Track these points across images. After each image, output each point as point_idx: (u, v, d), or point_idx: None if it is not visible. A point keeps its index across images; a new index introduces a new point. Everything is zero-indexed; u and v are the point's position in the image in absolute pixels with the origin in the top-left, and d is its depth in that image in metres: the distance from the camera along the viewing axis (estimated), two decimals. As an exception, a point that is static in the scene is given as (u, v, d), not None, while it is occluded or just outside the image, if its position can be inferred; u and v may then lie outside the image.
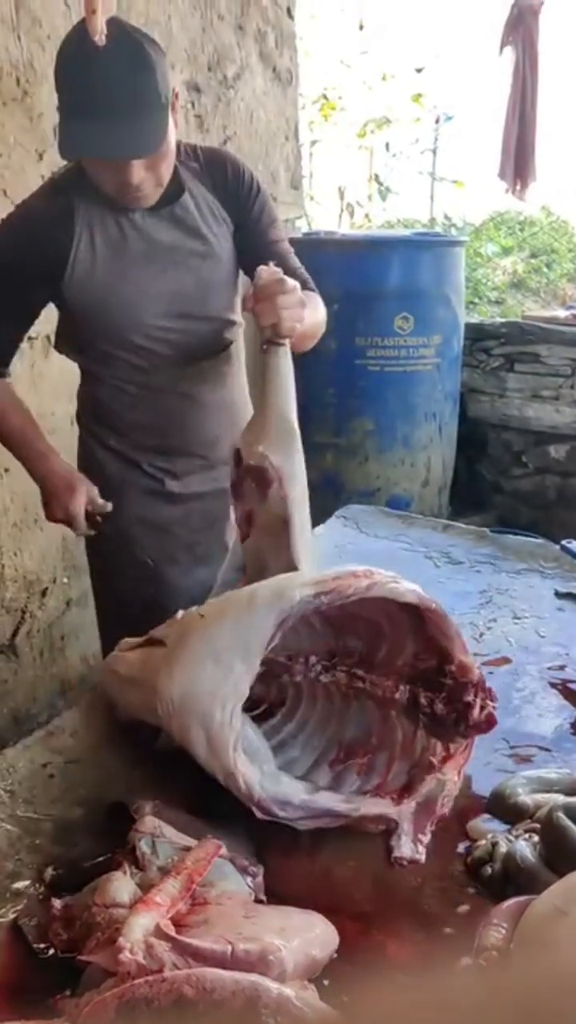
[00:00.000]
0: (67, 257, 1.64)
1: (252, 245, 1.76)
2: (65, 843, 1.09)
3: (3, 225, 1.70)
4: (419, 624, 1.17)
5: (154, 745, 1.21)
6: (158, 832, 0.99)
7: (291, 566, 1.32)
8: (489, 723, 1.19)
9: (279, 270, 1.47)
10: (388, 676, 1.22)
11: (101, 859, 0.99)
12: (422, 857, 1.10)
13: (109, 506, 1.74)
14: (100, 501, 1.73)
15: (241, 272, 1.81)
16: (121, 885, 0.91)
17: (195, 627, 1.12)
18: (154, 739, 1.22)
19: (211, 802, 1.14)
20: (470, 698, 1.17)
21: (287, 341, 1.44)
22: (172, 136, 1.58)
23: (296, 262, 1.83)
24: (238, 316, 1.86)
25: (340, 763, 1.19)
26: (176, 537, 1.88)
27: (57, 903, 0.92)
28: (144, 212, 1.67)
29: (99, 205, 1.65)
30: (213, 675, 1.06)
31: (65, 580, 2.98)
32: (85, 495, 1.72)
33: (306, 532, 1.39)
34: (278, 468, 1.36)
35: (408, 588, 1.13)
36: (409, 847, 1.11)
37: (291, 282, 1.44)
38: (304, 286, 1.72)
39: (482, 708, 1.18)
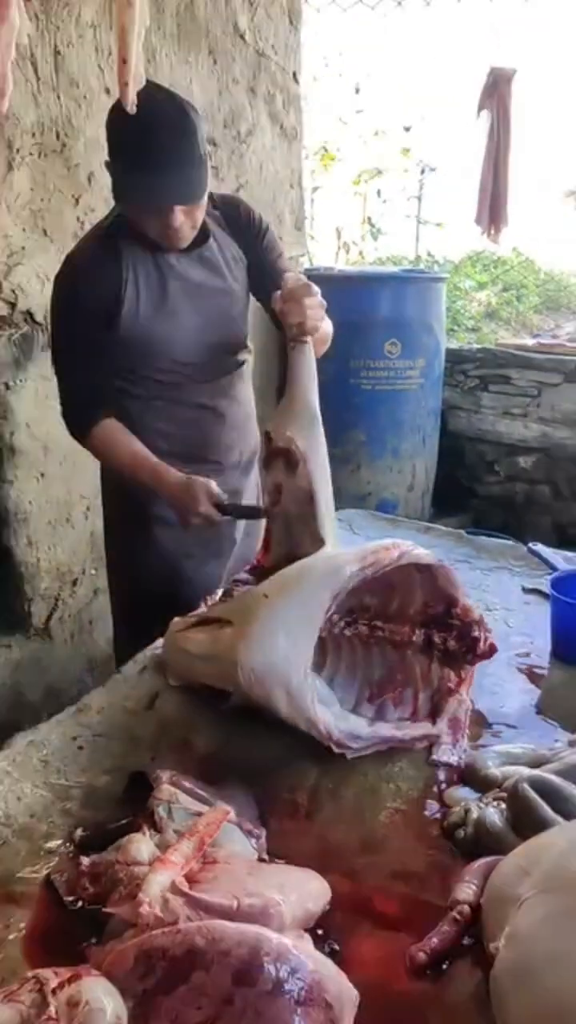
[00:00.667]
0: (120, 295, 1.65)
1: (264, 274, 1.79)
2: (92, 808, 1.09)
3: (67, 275, 1.68)
4: (428, 578, 1.30)
5: (222, 704, 1.25)
6: (174, 799, 0.99)
7: (316, 534, 1.39)
8: (491, 650, 1.32)
9: (303, 276, 1.53)
10: (403, 623, 1.33)
11: (124, 822, 0.98)
12: (461, 761, 1.19)
13: (225, 496, 1.68)
14: (217, 491, 1.66)
15: (254, 300, 1.85)
16: (141, 846, 0.91)
17: (262, 605, 1.20)
18: (216, 700, 1.27)
19: (220, 773, 1.14)
20: (476, 633, 1.30)
21: (310, 339, 1.48)
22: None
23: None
24: (249, 342, 1.87)
25: (376, 699, 1.29)
26: (192, 534, 1.86)
27: (85, 861, 0.92)
28: (178, 255, 1.69)
29: (141, 249, 1.66)
30: (285, 645, 1.15)
31: (93, 571, 2.97)
32: (206, 495, 1.66)
33: (330, 506, 1.44)
34: (303, 451, 1.41)
35: (425, 552, 1.27)
36: (449, 753, 1.22)
37: (315, 287, 1.49)
38: None
39: (485, 640, 1.31)
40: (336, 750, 1.17)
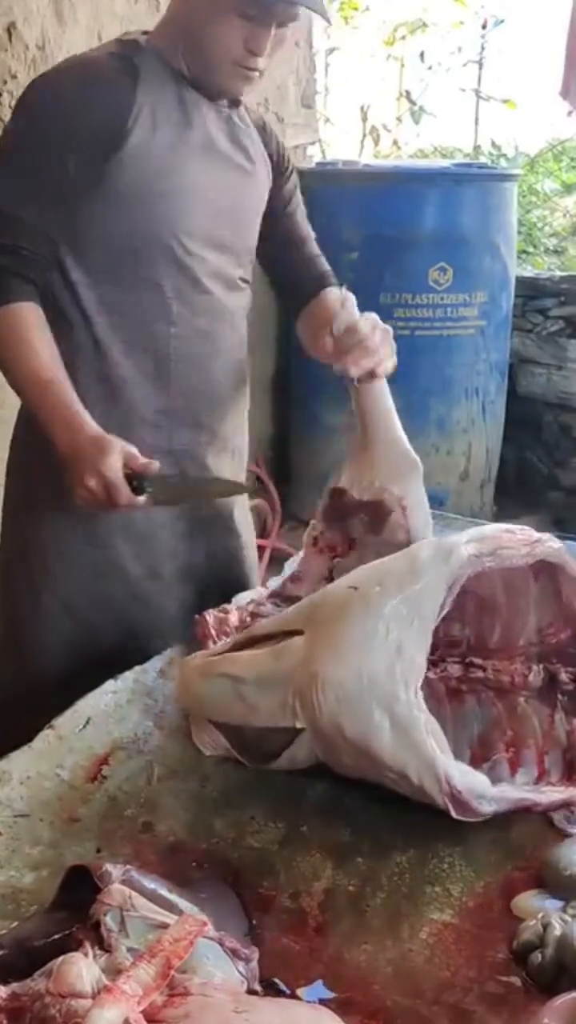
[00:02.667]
0: (126, 123, 1.64)
1: (272, 205, 1.90)
2: (13, 915, 1.09)
3: (52, 81, 1.69)
4: (549, 588, 1.31)
5: (268, 766, 1.27)
6: (128, 904, 0.99)
7: None
8: None
9: (374, 316, 1.69)
10: (511, 659, 1.34)
11: (57, 937, 0.98)
12: None
13: (156, 464, 1.61)
14: (143, 460, 1.59)
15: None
16: (82, 970, 0.90)
17: (352, 601, 1.21)
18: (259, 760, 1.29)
19: (195, 869, 1.15)
20: None
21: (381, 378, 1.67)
22: None
23: (309, 231, 2.04)
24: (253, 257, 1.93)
25: (482, 760, 1.30)
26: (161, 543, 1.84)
27: (2, 991, 0.92)
28: (209, 104, 1.75)
29: (167, 77, 1.70)
30: (386, 652, 1.16)
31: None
32: (121, 455, 1.57)
33: None
34: (400, 497, 1.59)
35: (559, 546, 1.29)
36: None
37: (377, 320, 1.68)
38: (317, 263, 2.03)
39: None
40: (455, 814, 1.18)
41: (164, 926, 0.98)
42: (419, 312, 3.77)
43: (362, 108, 6.30)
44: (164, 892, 1.04)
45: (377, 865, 1.20)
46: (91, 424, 1.62)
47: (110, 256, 1.71)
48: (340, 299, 1.72)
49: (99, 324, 1.73)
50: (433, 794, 1.16)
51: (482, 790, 1.18)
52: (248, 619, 1.60)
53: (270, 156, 1.89)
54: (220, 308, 1.83)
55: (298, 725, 1.21)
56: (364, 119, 6.29)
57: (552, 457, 4.51)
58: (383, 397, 1.67)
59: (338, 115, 6.41)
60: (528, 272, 4.68)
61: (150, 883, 1.04)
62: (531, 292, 4.42)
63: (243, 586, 1.89)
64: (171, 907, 1.02)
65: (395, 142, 6.57)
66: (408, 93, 6.72)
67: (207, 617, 1.59)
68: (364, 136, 6.29)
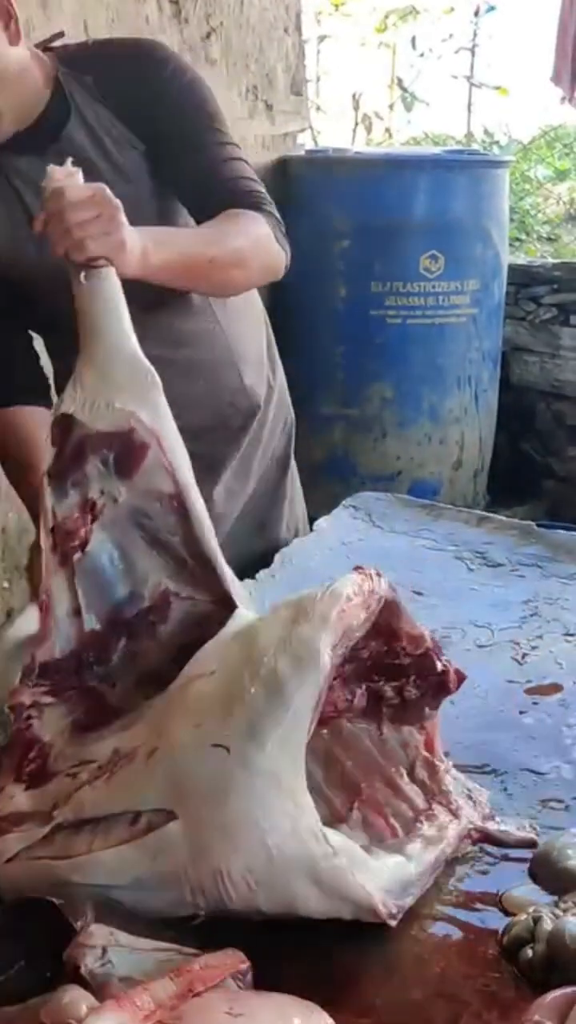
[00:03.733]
0: None
1: (180, 162, 1.73)
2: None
3: None
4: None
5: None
6: (112, 941, 0.97)
7: (214, 583, 1.28)
8: (460, 679, 1.25)
9: (72, 169, 1.38)
10: (330, 688, 1.14)
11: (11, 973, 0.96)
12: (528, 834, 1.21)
13: None
14: None
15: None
16: (79, 998, 0.88)
17: (228, 770, 1.03)
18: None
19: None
20: (441, 664, 1.22)
21: (110, 267, 1.36)
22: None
23: (245, 171, 1.77)
24: None
25: (349, 809, 1.20)
26: None
27: None
28: (19, 155, 1.66)
29: None
30: (283, 812, 1.02)
31: (5, 585, 2.96)
32: None
33: (206, 522, 1.30)
34: (152, 427, 1.25)
35: (388, 586, 1.14)
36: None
37: (79, 190, 1.35)
38: (246, 200, 1.70)
39: (449, 672, 1.23)
40: (393, 924, 1.08)
41: (161, 950, 0.96)
42: (411, 300, 3.75)
43: (354, 96, 6.29)
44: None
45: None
46: None
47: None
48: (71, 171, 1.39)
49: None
50: (368, 919, 1.06)
51: (409, 883, 1.11)
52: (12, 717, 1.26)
53: (143, 100, 1.69)
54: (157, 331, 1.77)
55: (202, 914, 1.06)
56: (356, 107, 6.28)
57: (546, 446, 4.50)
58: (103, 291, 1.33)
59: (330, 103, 6.39)
60: (521, 260, 4.66)
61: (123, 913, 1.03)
62: (524, 280, 4.40)
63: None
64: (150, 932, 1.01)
65: (387, 130, 6.56)
66: (400, 81, 6.72)
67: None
68: (356, 124, 6.28)
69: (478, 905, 1.13)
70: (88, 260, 1.33)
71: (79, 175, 1.38)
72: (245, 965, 0.96)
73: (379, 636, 1.19)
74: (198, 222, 1.73)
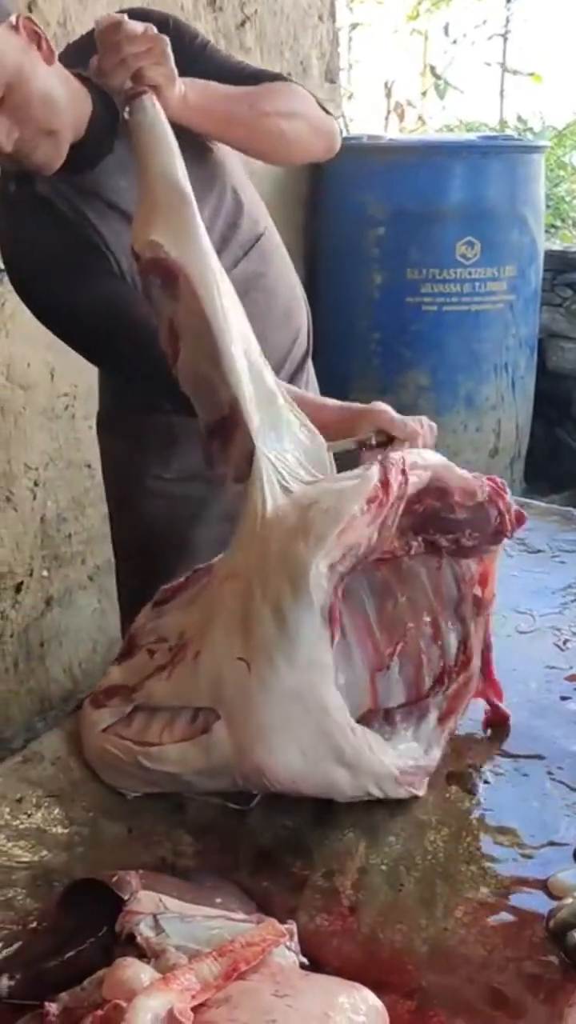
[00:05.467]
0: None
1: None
2: (44, 898, 1.09)
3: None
4: None
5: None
6: (161, 907, 0.97)
7: (235, 410, 1.26)
8: (520, 521, 1.35)
9: (119, 16, 1.47)
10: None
11: (70, 955, 0.98)
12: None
13: None
14: None
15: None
16: (139, 971, 0.88)
17: (250, 685, 1.15)
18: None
19: (218, 856, 1.14)
20: (496, 513, 1.31)
21: (149, 91, 1.43)
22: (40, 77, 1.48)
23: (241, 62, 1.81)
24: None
25: (386, 660, 1.33)
26: None
27: (53, 1008, 0.90)
28: (69, 175, 1.61)
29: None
30: (309, 718, 1.14)
31: (45, 573, 2.98)
32: None
33: (238, 356, 1.28)
34: (176, 260, 1.27)
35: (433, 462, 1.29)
36: None
37: (134, 24, 1.44)
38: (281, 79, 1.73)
39: (507, 515, 1.33)
40: (406, 794, 1.24)
41: (211, 917, 0.97)
42: (447, 287, 3.73)
43: (386, 84, 6.26)
44: (181, 890, 1.03)
45: (411, 843, 1.20)
46: None
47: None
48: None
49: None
50: (393, 792, 1.23)
51: (416, 759, 1.26)
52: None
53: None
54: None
55: (255, 792, 1.24)
56: (389, 95, 6.25)
57: (583, 432, 4.48)
58: (150, 123, 1.40)
59: (362, 91, 6.36)
60: (557, 246, 4.63)
61: (166, 882, 1.04)
62: (560, 266, 4.37)
63: None
64: (205, 899, 1.02)
65: (420, 117, 6.52)
66: (433, 68, 6.67)
67: None
68: (389, 112, 6.25)
69: (524, 889, 1.13)
70: (143, 88, 1.41)
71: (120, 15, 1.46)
72: (285, 936, 0.96)
73: (431, 495, 1.28)
74: None
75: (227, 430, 1.27)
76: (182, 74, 1.55)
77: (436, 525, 1.30)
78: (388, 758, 1.21)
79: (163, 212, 1.31)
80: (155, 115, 1.41)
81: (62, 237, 1.62)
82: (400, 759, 1.23)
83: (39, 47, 1.47)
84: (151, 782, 1.24)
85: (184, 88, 1.51)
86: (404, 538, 1.28)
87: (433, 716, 1.31)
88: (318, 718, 1.14)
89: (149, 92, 1.42)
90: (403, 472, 1.19)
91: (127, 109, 1.43)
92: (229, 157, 1.76)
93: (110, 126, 1.60)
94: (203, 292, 1.26)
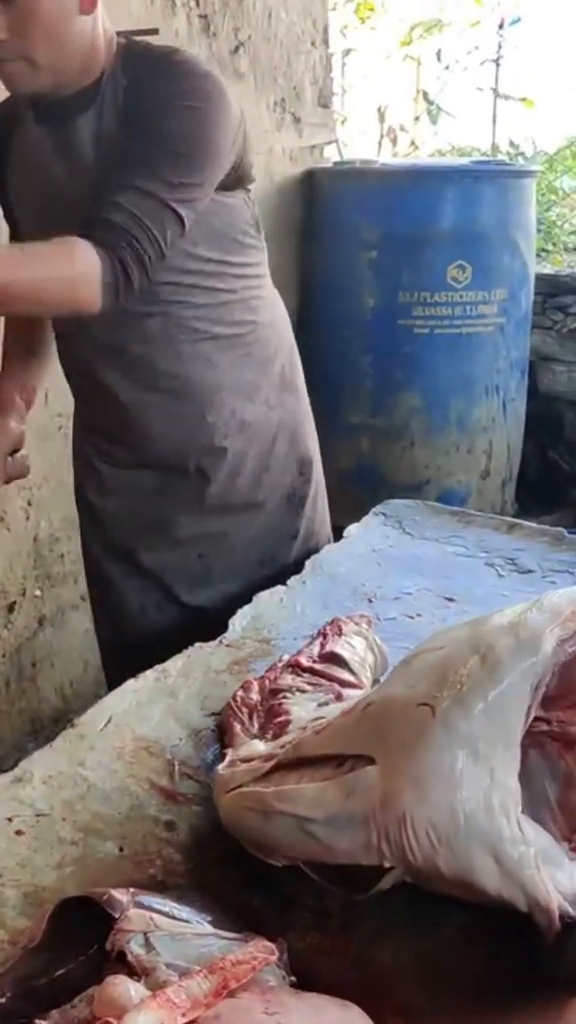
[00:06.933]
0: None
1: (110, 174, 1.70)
2: (33, 916, 1.09)
3: None
4: None
5: (362, 895, 1.11)
6: (151, 926, 0.97)
7: None
8: None
9: None
10: (574, 707, 1.14)
11: (60, 973, 0.96)
12: None
13: (27, 469, 1.75)
14: (20, 457, 1.72)
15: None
16: (129, 988, 0.88)
17: (426, 724, 1.05)
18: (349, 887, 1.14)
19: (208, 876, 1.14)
20: None
21: None
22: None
23: (141, 207, 1.60)
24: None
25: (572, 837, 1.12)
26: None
27: None
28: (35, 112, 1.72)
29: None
30: (477, 781, 1.01)
31: (37, 593, 2.98)
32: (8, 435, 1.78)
33: None
34: None
35: None
36: None
37: None
38: (99, 231, 1.58)
39: None
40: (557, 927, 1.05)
41: (200, 936, 0.97)
42: (438, 310, 3.75)
43: (379, 109, 6.30)
44: (171, 908, 1.03)
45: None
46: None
47: None
48: None
49: None
50: (542, 923, 1.03)
51: None
52: (268, 697, 1.43)
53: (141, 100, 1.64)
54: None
55: (386, 864, 1.08)
56: (381, 120, 6.29)
57: (573, 454, 4.49)
58: None
59: (355, 116, 6.40)
60: (548, 269, 4.66)
61: (156, 902, 1.03)
62: (551, 289, 4.40)
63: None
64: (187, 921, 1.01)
65: (412, 142, 6.56)
66: (425, 93, 6.72)
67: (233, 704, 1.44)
68: (382, 137, 6.29)
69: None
70: None
71: None
72: (275, 956, 0.95)
73: None
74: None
75: None
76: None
77: None
78: (555, 880, 1.03)
79: None
80: None
81: None
82: (571, 883, 1.04)
83: None
84: (269, 844, 1.15)
85: None
86: None
87: None
88: (485, 785, 1.02)
89: None
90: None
91: None
92: None
93: (89, 103, 1.66)
94: None
